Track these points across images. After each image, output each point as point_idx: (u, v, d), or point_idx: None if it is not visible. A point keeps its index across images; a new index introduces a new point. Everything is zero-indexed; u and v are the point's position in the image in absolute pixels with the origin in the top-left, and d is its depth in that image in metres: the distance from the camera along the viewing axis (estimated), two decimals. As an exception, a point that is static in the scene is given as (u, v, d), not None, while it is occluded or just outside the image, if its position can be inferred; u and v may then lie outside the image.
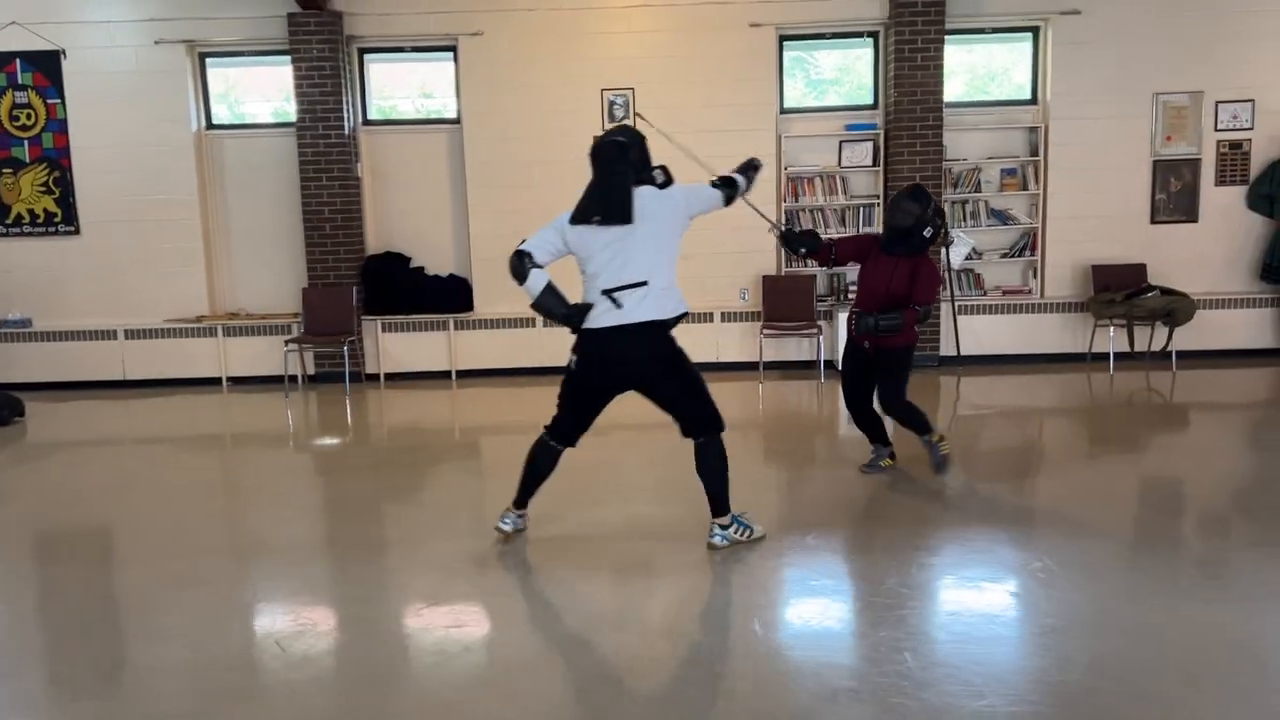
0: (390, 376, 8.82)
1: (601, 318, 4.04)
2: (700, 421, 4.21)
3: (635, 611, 3.73)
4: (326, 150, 8.55)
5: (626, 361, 4.09)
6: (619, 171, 4.06)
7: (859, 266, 5.28)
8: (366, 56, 8.84)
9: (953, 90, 8.78)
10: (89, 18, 8.60)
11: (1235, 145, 8.60)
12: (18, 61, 8.63)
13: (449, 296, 8.85)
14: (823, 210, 8.77)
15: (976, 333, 8.75)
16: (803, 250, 5.13)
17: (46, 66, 8.65)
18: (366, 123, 8.91)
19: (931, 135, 8.47)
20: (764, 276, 8.70)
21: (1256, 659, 3.23)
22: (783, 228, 5.40)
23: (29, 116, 8.70)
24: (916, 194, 5.05)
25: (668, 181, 4.13)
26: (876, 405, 5.35)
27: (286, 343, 8.37)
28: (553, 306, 4.08)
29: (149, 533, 4.93)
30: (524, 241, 4.11)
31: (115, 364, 8.81)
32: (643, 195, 4.05)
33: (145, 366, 8.80)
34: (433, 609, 3.82)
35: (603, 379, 4.17)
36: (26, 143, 8.73)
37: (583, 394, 4.23)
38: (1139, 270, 8.56)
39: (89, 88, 8.67)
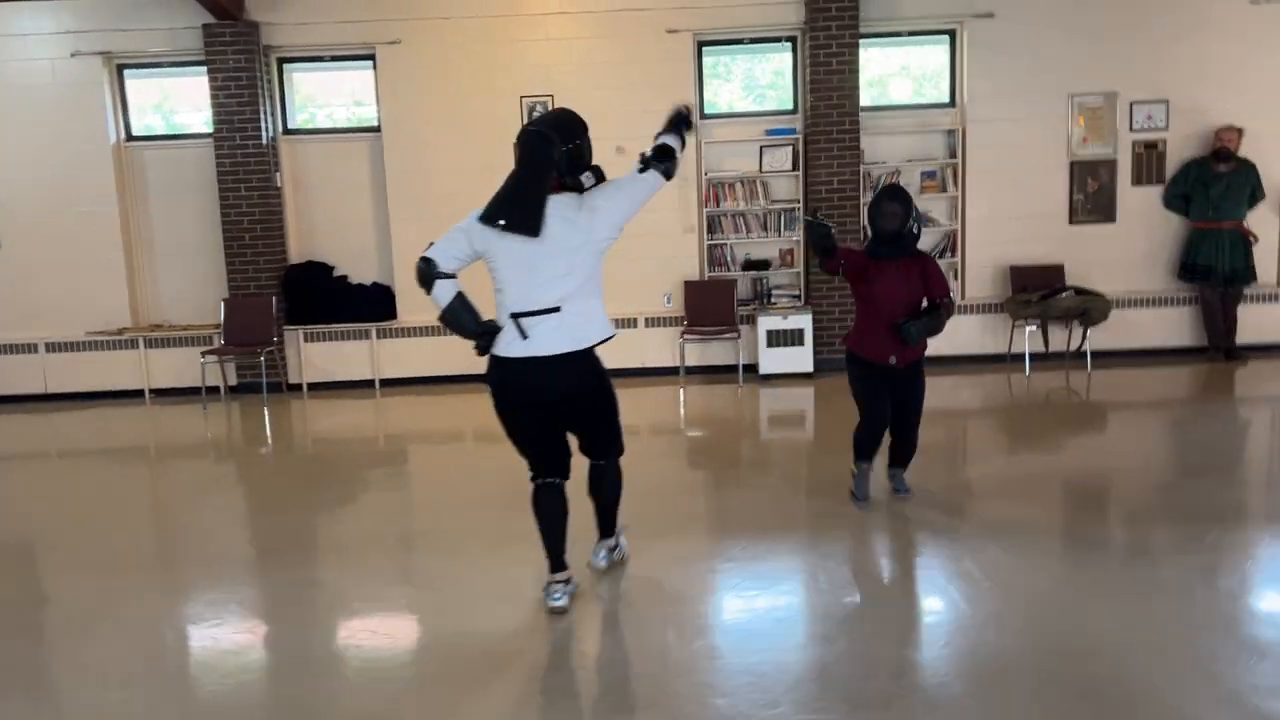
0: (313, 386, 8.80)
1: (510, 345, 3.57)
2: (609, 444, 3.90)
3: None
4: (245, 160, 8.53)
5: (541, 392, 3.63)
6: (535, 171, 3.53)
7: (855, 284, 4.88)
8: (286, 66, 8.84)
9: (873, 95, 8.84)
10: (4, 31, 8.56)
11: (1150, 145, 8.66)
12: (-70, 75, 8.60)
13: (373, 305, 8.85)
14: (744, 215, 8.80)
15: (898, 335, 8.80)
16: (826, 244, 4.69)
17: (-37, 79, 8.61)
18: (287, 132, 8.90)
19: (849, 139, 8.51)
20: (687, 281, 8.73)
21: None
22: (812, 215, 5.21)
23: (-50, 129, 8.66)
24: (894, 193, 4.80)
25: (598, 183, 3.64)
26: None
27: (204, 354, 8.34)
28: (463, 322, 3.60)
29: (70, 545, 4.95)
30: (430, 246, 3.67)
31: (36, 377, 8.76)
32: (559, 205, 3.54)
33: (67, 380, 8.76)
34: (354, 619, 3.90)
35: (520, 408, 3.68)
36: (-50, 156, 8.70)
37: (518, 425, 3.72)
38: (1057, 271, 8.62)
39: (6, 100, 8.63)
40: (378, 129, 8.80)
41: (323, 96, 9.17)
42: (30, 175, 8.67)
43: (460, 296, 3.60)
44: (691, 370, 8.68)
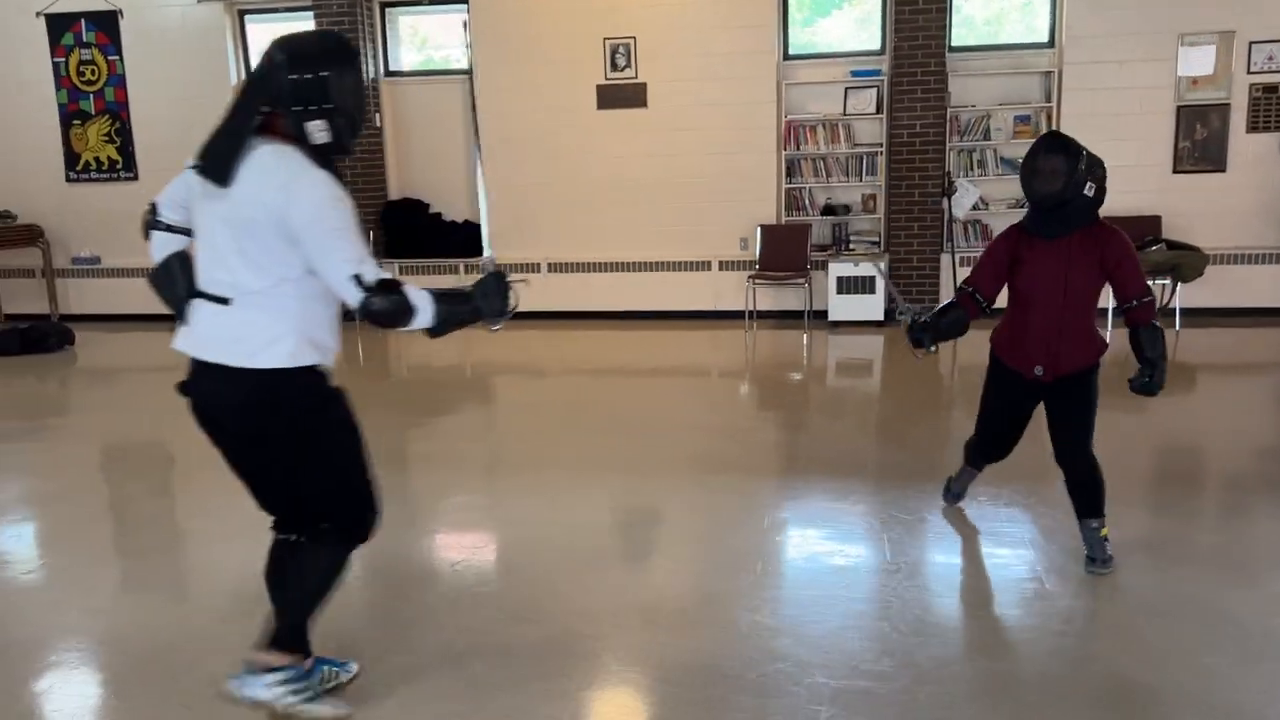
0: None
1: (177, 333, 2.67)
2: (315, 510, 2.72)
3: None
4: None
5: (205, 407, 2.67)
6: (242, 100, 2.56)
7: (1011, 279, 3.71)
8: (388, 10, 9.27)
9: (963, 35, 8.50)
10: (140, -19, 9.34)
11: (1271, 89, 8.01)
12: (82, 21, 9.47)
13: (463, 241, 9.30)
14: (824, 159, 8.70)
15: (979, 285, 8.57)
16: (948, 333, 3.79)
17: (107, 25, 9.44)
18: (389, 74, 9.37)
19: (934, 81, 8.26)
20: (762, 225, 8.74)
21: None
22: (912, 315, 3.81)
23: (93, 72, 9.55)
24: (1055, 144, 3.50)
25: (332, 147, 2.57)
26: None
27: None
28: (165, 291, 2.71)
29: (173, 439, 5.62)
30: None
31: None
32: (266, 156, 2.52)
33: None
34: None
35: (198, 421, 2.69)
36: (92, 96, 9.60)
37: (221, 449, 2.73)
38: (1152, 223, 8.15)
39: (143, 45, 9.43)
40: (469, 71, 9.15)
41: (426, 39, 9.58)
42: (163, 114, 9.48)
43: (177, 257, 2.69)
44: (763, 315, 8.73)
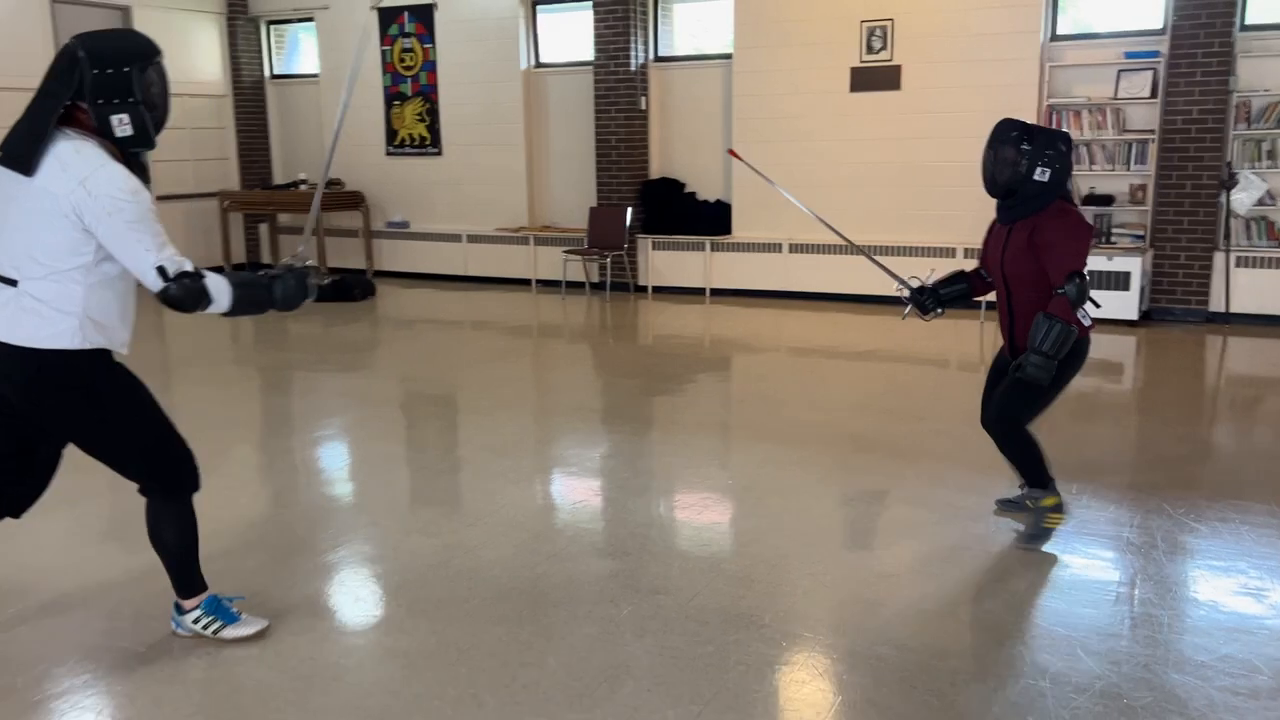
0: (657, 289, 9.92)
1: None
2: (137, 474, 2.94)
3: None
4: (616, 85, 9.72)
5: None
6: (45, 92, 2.68)
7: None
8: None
9: (1260, 11, 7.65)
10: (452, -25, 10.52)
11: None
12: (405, 13, 10.81)
13: (712, 220, 9.69)
14: (1089, 145, 8.19)
15: (1258, 289, 7.74)
16: (946, 301, 3.97)
17: (424, 17, 10.73)
18: (658, 59, 9.91)
19: (1216, 64, 7.52)
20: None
21: None
22: (913, 286, 4.00)
23: (411, 59, 10.89)
24: (1005, 133, 3.60)
25: (134, 139, 2.71)
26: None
27: (565, 253, 9.83)
28: None
29: (465, 387, 6.65)
30: None
31: (459, 261, 10.89)
32: (67, 150, 2.65)
33: (479, 265, 10.79)
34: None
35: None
36: (409, 80, 10.96)
37: None
38: None
39: (451, 34, 10.62)
40: (730, 56, 9.47)
41: (693, 26, 10.03)
42: (464, 96, 10.65)
43: None
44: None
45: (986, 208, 3.83)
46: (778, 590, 3.46)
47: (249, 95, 11.88)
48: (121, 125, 2.67)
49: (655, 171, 10.06)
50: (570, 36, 10.35)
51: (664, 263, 9.90)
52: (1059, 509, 3.86)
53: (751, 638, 3.09)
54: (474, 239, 10.80)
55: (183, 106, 10.88)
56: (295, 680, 2.89)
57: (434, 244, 11.04)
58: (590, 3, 9.77)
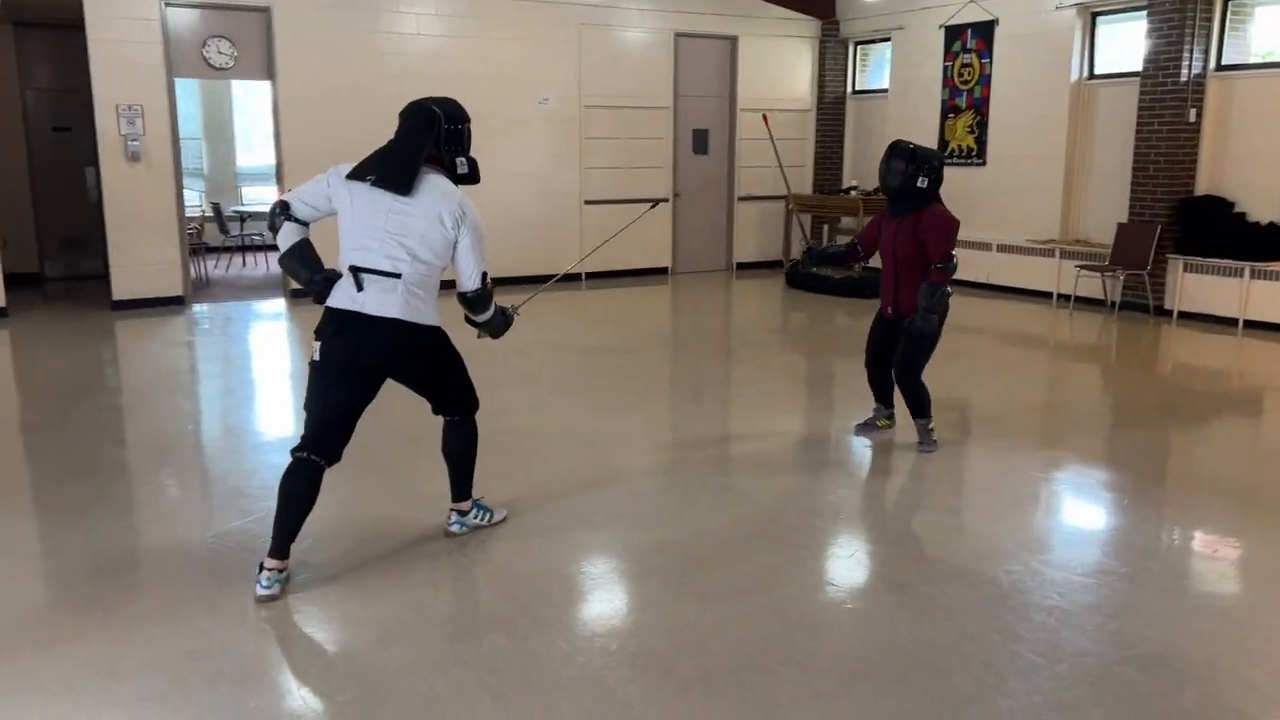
0: (1182, 315, 9.18)
1: (343, 298, 3.56)
2: (457, 401, 3.92)
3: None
4: (1162, 97, 9.17)
5: (361, 354, 3.58)
6: (415, 136, 3.62)
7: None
8: (1230, 4, 8.99)
9: None
10: (1016, -8, 10.73)
11: None
12: (968, 30, 11.27)
13: (1260, 243, 8.70)
14: None
15: None
16: (831, 260, 5.44)
17: (985, 33, 11.09)
18: (1220, 68, 9.11)
19: None
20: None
21: None
22: (812, 243, 5.36)
23: (969, 73, 11.33)
24: (896, 150, 4.90)
25: (467, 175, 3.70)
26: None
27: (1079, 268, 9.57)
28: (298, 269, 3.64)
29: (973, 397, 6.74)
30: (289, 191, 3.78)
31: (985, 269, 11.10)
32: (434, 180, 3.60)
33: (1003, 275, 10.91)
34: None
35: (335, 365, 3.57)
36: (964, 93, 11.41)
37: (322, 384, 3.61)
38: None
39: (1009, 48, 10.84)
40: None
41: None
42: (1014, 107, 10.81)
43: (302, 244, 3.64)
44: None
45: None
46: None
47: (830, 109, 13.27)
48: (461, 165, 3.69)
49: (1201, 188, 9.29)
50: (1123, 47, 9.95)
51: (1195, 286, 9.15)
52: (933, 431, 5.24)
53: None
54: (1003, 249, 10.94)
55: (774, 120, 12.69)
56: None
57: (966, 251, 11.36)
58: (1143, 12, 9.34)
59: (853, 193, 12.33)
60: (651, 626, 3.40)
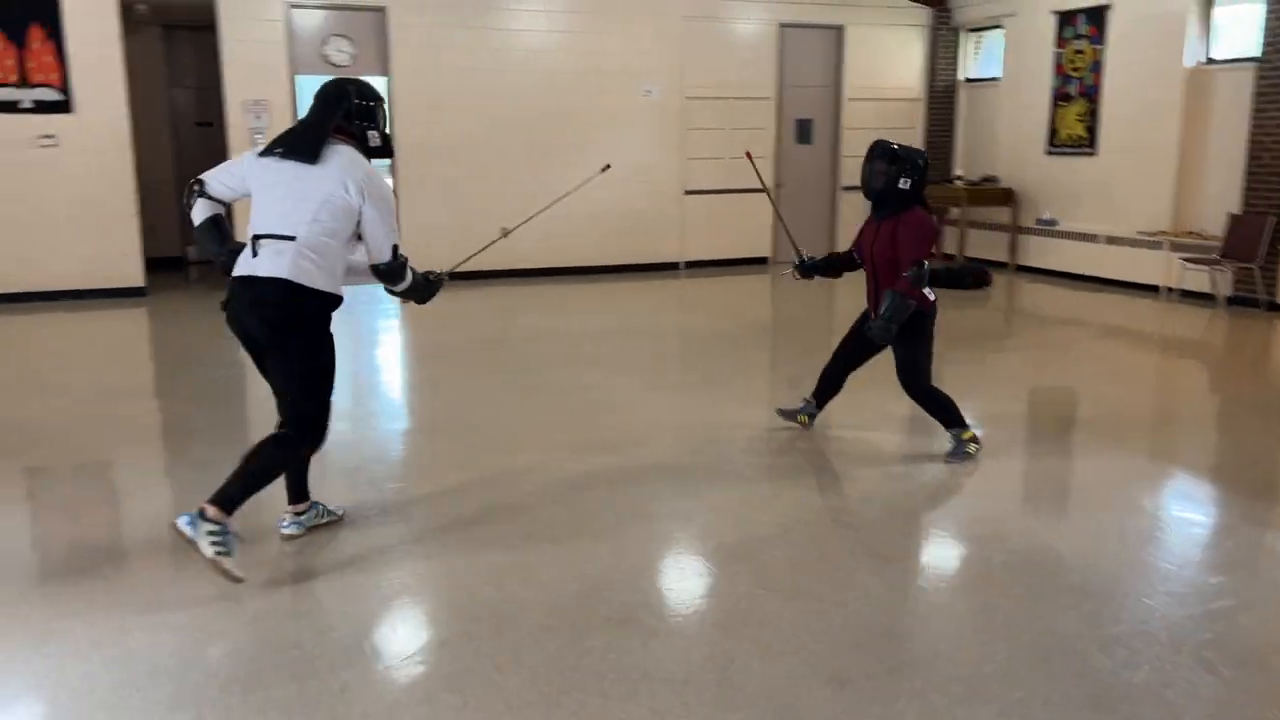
0: (1291, 309, 8.81)
1: (240, 264, 3.64)
2: (291, 409, 3.72)
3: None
4: (1277, 83, 8.77)
5: (241, 318, 3.66)
6: (323, 110, 3.73)
7: None
8: (1357, -19, 8.54)
9: None
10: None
11: None
12: (1081, 15, 10.97)
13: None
14: None
15: None
16: (824, 272, 5.23)
17: (1098, 19, 10.78)
18: (1345, 51, 8.66)
19: None
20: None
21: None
22: (805, 258, 5.22)
23: (1080, 60, 11.02)
24: (879, 151, 4.75)
25: (379, 149, 3.81)
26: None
27: (1183, 260, 9.24)
28: (206, 242, 3.79)
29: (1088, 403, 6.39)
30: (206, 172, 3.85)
31: (1093, 262, 10.82)
32: (341, 151, 3.67)
33: (1112, 267, 10.61)
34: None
35: (237, 334, 3.72)
36: (1076, 81, 11.11)
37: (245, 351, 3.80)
38: None
39: (1122, 34, 10.51)
40: None
41: None
42: (1125, 95, 10.48)
43: (214, 219, 3.76)
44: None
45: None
46: None
47: (940, 98, 13.09)
48: (372, 138, 3.79)
49: (1330, 179, 8.86)
50: (1240, 31, 9.53)
51: (1309, 282, 8.75)
52: (975, 440, 4.97)
53: None
54: (1112, 240, 10.64)
55: (879, 110, 12.67)
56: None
57: (1074, 243, 11.14)
58: (1268, -5, 8.95)
59: (957, 183, 12.16)
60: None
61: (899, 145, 4.78)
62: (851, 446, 5.35)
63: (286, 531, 4.01)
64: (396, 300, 4.03)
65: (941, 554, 4.11)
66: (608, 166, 5.74)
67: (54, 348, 8.05)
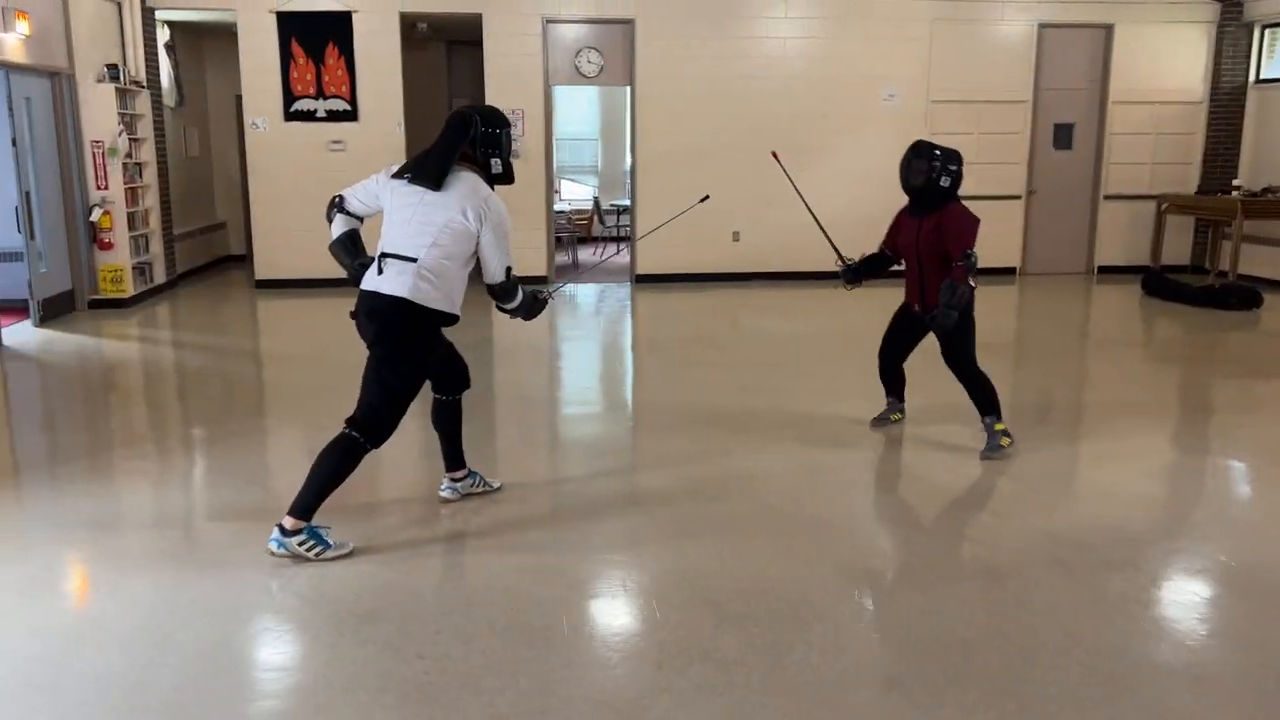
0: None
1: (366, 279, 3.90)
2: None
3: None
4: None
5: (363, 329, 3.94)
6: (449, 139, 3.89)
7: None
8: None
9: None
10: None
11: None
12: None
13: None
14: None
15: None
16: (866, 273, 5.37)
17: None
18: None
19: None
20: None
21: None
22: (848, 261, 5.40)
23: None
24: (919, 150, 4.98)
25: (501, 176, 3.98)
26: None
27: None
28: (341, 256, 4.06)
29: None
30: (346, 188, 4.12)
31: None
32: (465, 178, 3.89)
33: None
34: None
35: (364, 340, 3.96)
36: None
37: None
38: None
39: None
40: None
41: None
42: None
43: (349, 234, 4.05)
44: None
45: None
46: None
47: (1225, 101, 11.96)
48: (495, 165, 3.99)
49: None
50: None
51: None
52: (1007, 433, 5.21)
53: None
54: None
55: (1153, 114, 11.81)
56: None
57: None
58: None
59: (1234, 193, 11.07)
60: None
61: (939, 146, 5.03)
62: (1027, 473, 5.19)
63: (443, 495, 4.48)
64: (506, 316, 4.28)
65: (1059, 580, 3.94)
66: (706, 197, 5.95)
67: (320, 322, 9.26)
